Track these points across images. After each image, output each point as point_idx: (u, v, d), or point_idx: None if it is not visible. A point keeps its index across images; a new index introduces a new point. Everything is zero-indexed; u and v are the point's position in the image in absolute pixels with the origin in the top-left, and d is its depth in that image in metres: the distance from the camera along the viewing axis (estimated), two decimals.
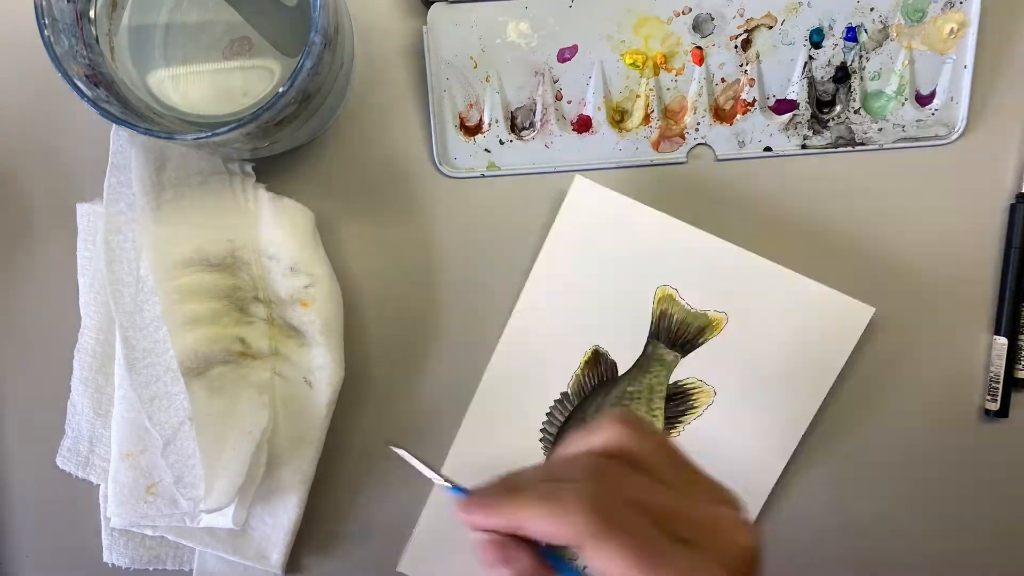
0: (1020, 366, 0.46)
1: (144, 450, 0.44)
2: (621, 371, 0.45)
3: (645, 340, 0.45)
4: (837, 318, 0.44)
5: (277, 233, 0.43)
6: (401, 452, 0.46)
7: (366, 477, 0.47)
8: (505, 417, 0.46)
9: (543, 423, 0.46)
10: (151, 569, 0.46)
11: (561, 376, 0.46)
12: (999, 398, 0.46)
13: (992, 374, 0.46)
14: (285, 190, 0.45)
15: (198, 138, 0.36)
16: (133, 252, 0.44)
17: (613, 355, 0.45)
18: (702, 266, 0.45)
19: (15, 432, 0.47)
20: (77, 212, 0.45)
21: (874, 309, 0.44)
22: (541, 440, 0.46)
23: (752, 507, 0.46)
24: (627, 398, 0.45)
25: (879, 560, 0.47)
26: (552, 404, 0.46)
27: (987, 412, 0.46)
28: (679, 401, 0.45)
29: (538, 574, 0.32)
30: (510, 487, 0.32)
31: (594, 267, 0.45)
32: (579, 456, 0.33)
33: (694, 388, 0.45)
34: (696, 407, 0.45)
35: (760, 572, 0.32)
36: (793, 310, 0.44)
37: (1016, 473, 0.47)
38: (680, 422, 0.45)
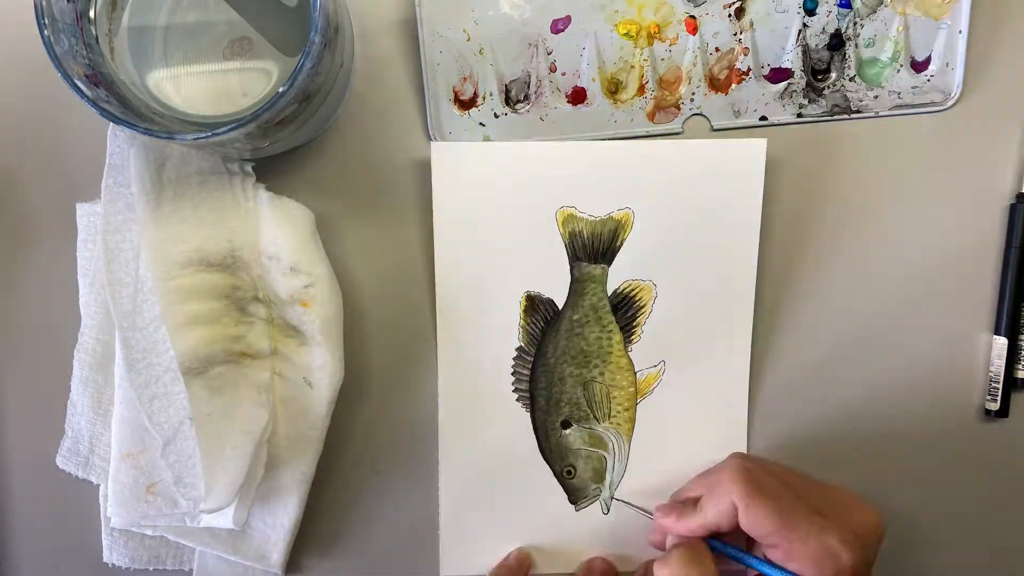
0: (1020, 366, 0.46)
1: (144, 450, 0.44)
2: (560, 305, 0.45)
3: (568, 266, 0.45)
4: (737, 162, 0.44)
5: (277, 233, 0.43)
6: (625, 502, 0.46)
7: (366, 477, 0.47)
8: (477, 391, 0.46)
9: (512, 383, 0.46)
10: (151, 569, 0.46)
11: (508, 333, 0.46)
12: (999, 398, 0.46)
13: (992, 374, 0.46)
14: (285, 190, 0.45)
15: (198, 138, 0.36)
16: (131, 252, 0.44)
17: (547, 294, 0.45)
18: (588, 174, 0.45)
19: (15, 432, 0.47)
20: (77, 212, 0.45)
21: (766, 140, 0.44)
22: (518, 400, 0.46)
23: (740, 403, 0.46)
24: (577, 326, 0.45)
25: (878, 560, 0.47)
26: (512, 362, 0.46)
27: (987, 412, 0.46)
28: (626, 308, 0.45)
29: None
30: (685, 501, 0.41)
31: (491, 220, 0.45)
32: (725, 460, 0.41)
33: (634, 289, 0.45)
34: (644, 306, 0.45)
35: (879, 548, 0.39)
36: (691, 176, 0.44)
37: (1016, 473, 0.47)
38: (636, 326, 0.46)
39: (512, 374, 0.46)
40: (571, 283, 0.45)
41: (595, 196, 0.45)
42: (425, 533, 0.47)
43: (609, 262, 0.45)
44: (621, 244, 0.45)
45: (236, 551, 0.45)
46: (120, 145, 0.44)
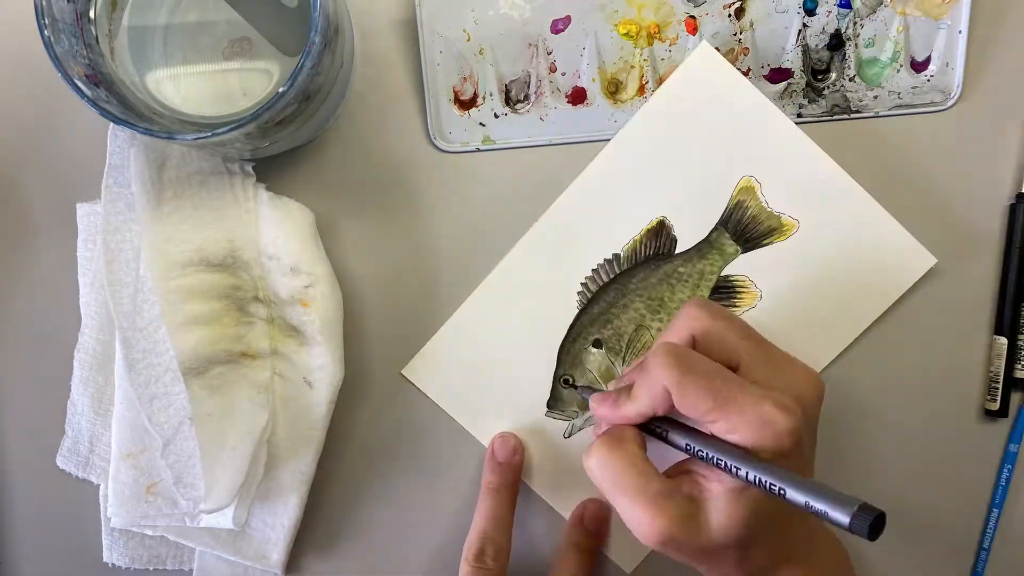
0: (1020, 366, 0.46)
1: (144, 450, 0.44)
2: (679, 249, 0.45)
3: (712, 225, 0.45)
4: (900, 256, 0.44)
5: (277, 233, 0.43)
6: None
7: (366, 477, 0.47)
8: (542, 271, 0.46)
9: (586, 278, 0.46)
10: (151, 569, 0.46)
11: (617, 237, 0.45)
12: (999, 398, 0.46)
13: (992, 374, 0.46)
14: (285, 190, 0.45)
15: (198, 138, 0.36)
16: (132, 252, 0.44)
17: (676, 231, 0.45)
18: (791, 167, 0.44)
19: (15, 432, 0.47)
20: (77, 212, 0.45)
21: (936, 260, 0.45)
22: (579, 294, 0.46)
23: None
24: (675, 277, 0.45)
25: (876, 558, 0.47)
26: (600, 263, 0.45)
27: (987, 412, 0.46)
28: (724, 295, 0.45)
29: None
30: (621, 389, 0.39)
31: (686, 138, 0.45)
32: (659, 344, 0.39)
33: (742, 287, 0.45)
34: (738, 307, 0.45)
35: (819, 408, 0.38)
36: (862, 238, 0.44)
37: (1016, 473, 0.47)
38: None
39: (592, 271, 0.45)
40: (702, 240, 0.45)
41: (782, 187, 0.44)
42: (425, 533, 0.47)
43: (746, 250, 0.45)
44: (767, 244, 0.45)
45: (236, 551, 0.45)
46: (120, 145, 0.44)
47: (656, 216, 0.45)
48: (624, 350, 0.46)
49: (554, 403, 0.46)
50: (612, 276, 0.45)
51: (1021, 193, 0.46)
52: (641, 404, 0.38)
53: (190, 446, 0.42)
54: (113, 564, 0.46)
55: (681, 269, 0.45)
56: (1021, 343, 0.46)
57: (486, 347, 0.46)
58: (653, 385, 0.37)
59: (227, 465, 0.41)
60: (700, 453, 0.36)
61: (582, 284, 0.46)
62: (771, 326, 0.44)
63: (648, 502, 0.36)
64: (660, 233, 0.45)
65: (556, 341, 0.46)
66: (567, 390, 0.46)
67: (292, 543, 0.45)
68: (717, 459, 0.36)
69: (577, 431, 0.46)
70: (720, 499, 0.36)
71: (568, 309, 0.46)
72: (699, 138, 0.45)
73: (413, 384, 0.46)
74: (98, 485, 0.46)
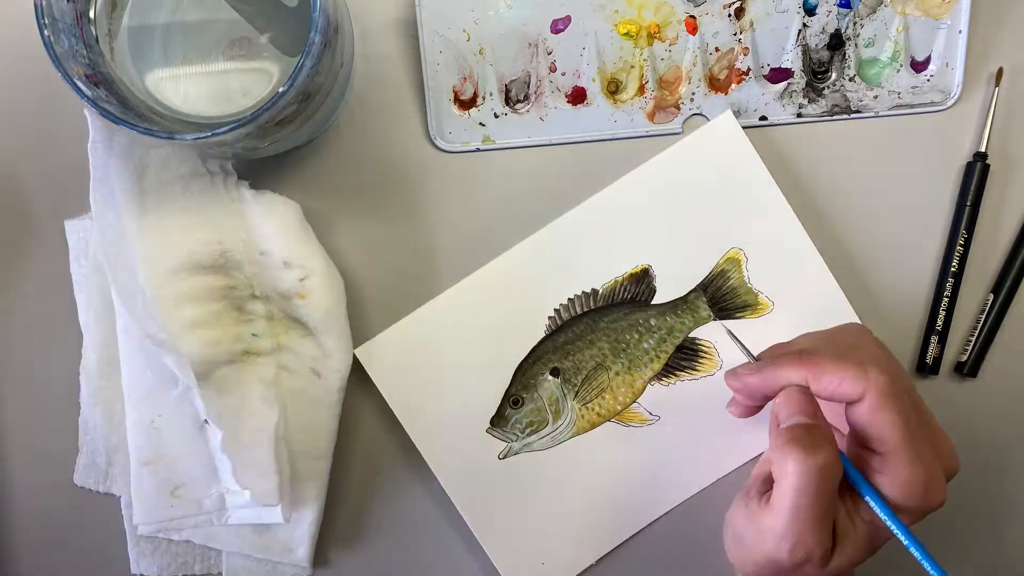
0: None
1: (162, 456, 0.43)
2: (656, 300, 0.46)
3: (693, 286, 0.45)
4: (720, 146, 0.45)
5: (265, 229, 0.43)
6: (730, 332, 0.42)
7: (376, 475, 0.46)
8: (518, 287, 0.46)
9: (560, 305, 0.46)
10: (180, 575, 0.46)
11: (600, 273, 0.46)
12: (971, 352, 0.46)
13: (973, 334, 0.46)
14: (285, 190, 0.45)
15: (198, 138, 0.36)
16: (132, 260, 0.43)
17: (657, 282, 0.46)
18: (780, 251, 0.45)
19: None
20: (66, 229, 0.45)
21: (729, 109, 0.45)
22: (549, 319, 0.46)
23: (705, 480, 0.46)
24: (644, 327, 0.46)
25: None
26: (578, 294, 0.46)
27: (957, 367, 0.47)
28: (687, 356, 0.46)
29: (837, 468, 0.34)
30: (799, 349, 0.37)
31: (690, 195, 0.45)
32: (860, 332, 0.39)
33: (706, 352, 0.45)
34: (697, 371, 0.46)
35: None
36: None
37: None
38: (675, 376, 0.46)
39: (568, 299, 0.45)
40: (679, 298, 0.45)
41: (765, 266, 0.45)
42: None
43: (718, 318, 0.45)
44: (740, 318, 0.45)
45: (263, 549, 0.44)
46: (101, 157, 0.42)
47: (642, 263, 0.46)
48: (579, 385, 0.46)
49: (498, 421, 0.46)
50: (586, 310, 0.46)
51: (979, 152, 0.46)
52: (824, 380, 0.35)
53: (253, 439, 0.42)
54: (142, 575, 0.45)
55: (653, 320, 0.46)
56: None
57: (444, 348, 0.46)
58: (854, 378, 0.34)
59: (272, 462, 0.42)
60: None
61: (555, 311, 0.46)
62: (722, 397, 0.42)
63: (816, 519, 0.33)
64: (642, 280, 0.46)
65: (515, 360, 0.46)
66: (510, 411, 0.46)
67: (316, 536, 0.44)
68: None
69: (513, 454, 0.46)
70: (862, 534, 0.35)
71: (534, 332, 0.46)
72: (702, 199, 0.45)
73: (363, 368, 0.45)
74: (119, 497, 0.45)
